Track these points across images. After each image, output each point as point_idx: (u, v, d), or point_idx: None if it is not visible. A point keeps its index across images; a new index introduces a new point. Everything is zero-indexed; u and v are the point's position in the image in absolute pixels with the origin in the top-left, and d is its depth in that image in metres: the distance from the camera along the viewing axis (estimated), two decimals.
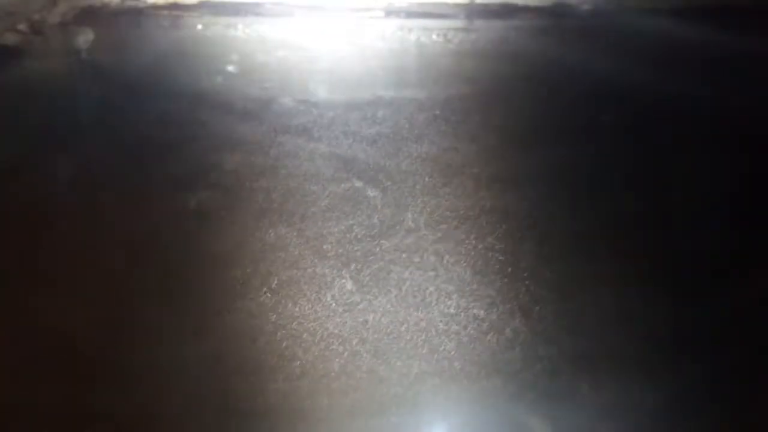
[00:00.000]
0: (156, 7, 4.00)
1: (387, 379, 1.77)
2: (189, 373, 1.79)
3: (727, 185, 2.51)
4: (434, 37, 3.74)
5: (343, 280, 2.06)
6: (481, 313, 1.95)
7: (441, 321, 1.92)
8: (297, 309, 1.96)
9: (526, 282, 2.04)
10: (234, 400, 1.73)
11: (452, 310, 1.96)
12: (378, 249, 2.17)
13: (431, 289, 2.03)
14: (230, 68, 3.33)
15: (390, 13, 4.01)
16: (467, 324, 1.92)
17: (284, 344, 1.85)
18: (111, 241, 2.22)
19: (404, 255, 2.15)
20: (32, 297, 2.00)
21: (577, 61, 3.50)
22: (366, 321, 1.92)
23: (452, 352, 1.84)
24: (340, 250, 2.17)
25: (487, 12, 4.06)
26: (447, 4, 4.08)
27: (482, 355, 1.83)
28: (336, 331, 1.88)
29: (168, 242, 2.21)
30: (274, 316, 1.94)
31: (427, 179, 2.51)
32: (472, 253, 2.17)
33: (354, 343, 1.85)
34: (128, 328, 1.92)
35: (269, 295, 2.00)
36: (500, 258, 2.15)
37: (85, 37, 3.59)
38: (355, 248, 2.18)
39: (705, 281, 2.10)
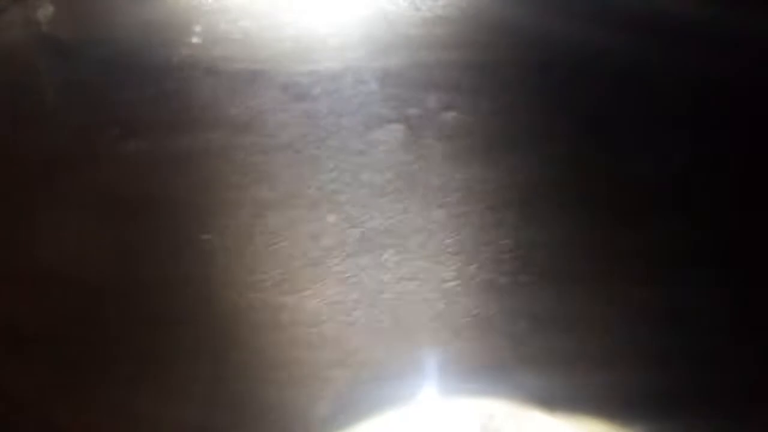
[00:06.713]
0: None
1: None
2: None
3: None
4: (402, 3, 3.70)
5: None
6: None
7: None
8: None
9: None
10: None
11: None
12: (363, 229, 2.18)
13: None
14: (194, 39, 3.27)
15: None
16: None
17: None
18: (101, 214, 2.19)
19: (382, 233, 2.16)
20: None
21: (553, 28, 3.46)
22: None
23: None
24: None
25: None
26: None
27: None
28: None
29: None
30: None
31: (397, 152, 2.50)
32: (449, 219, 2.17)
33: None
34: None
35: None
36: (473, 221, 2.15)
37: (44, 11, 3.51)
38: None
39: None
